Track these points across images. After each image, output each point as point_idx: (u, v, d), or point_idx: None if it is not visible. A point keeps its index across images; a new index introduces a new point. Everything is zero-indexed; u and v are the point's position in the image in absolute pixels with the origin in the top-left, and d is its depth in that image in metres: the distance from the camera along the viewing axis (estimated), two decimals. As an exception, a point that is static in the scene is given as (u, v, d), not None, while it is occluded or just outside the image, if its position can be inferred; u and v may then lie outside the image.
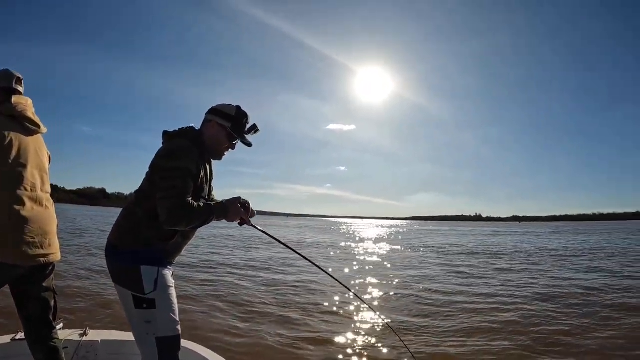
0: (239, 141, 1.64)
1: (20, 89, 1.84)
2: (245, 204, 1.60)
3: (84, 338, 2.09)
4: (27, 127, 1.75)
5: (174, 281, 1.59)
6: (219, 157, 1.68)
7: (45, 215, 1.73)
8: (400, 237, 29.53)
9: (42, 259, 1.65)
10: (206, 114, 1.65)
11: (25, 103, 1.77)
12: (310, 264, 1.84)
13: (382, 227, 66.06)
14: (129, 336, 1.88)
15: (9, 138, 1.63)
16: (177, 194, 1.41)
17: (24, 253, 1.58)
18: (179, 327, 1.51)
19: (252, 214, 1.65)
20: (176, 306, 1.53)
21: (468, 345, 4.16)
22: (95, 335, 2.17)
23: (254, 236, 18.10)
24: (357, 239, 25.28)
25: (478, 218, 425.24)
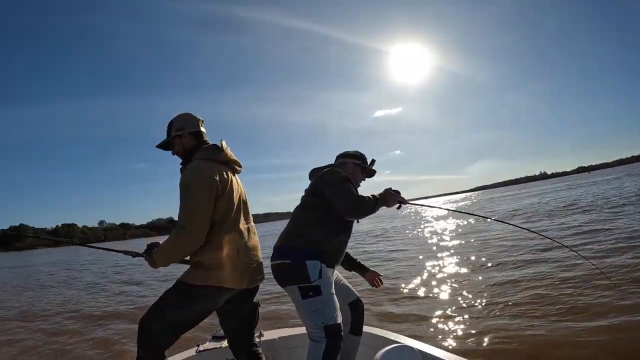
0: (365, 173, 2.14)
1: (205, 130, 1.92)
2: (397, 190, 1.94)
3: (262, 338, 2.27)
4: (236, 169, 1.92)
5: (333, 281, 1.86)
6: (358, 186, 2.10)
7: (257, 242, 1.92)
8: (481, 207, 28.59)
9: (258, 281, 1.88)
10: (338, 157, 2.15)
11: (227, 146, 1.86)
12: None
13: (454, 202, 59.17)
14: (301, 330, 2.09)
15: (235, 183, 1.84)
16: (354, 194, 1.86)
17: (250, 278, 1.80)
18: (339, 315, 1.74)
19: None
20: (336, 297, 1.77)
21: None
22: (270, 334, 2.37)
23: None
24: (438, 216, 23.94)
25: (544, 176, 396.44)
